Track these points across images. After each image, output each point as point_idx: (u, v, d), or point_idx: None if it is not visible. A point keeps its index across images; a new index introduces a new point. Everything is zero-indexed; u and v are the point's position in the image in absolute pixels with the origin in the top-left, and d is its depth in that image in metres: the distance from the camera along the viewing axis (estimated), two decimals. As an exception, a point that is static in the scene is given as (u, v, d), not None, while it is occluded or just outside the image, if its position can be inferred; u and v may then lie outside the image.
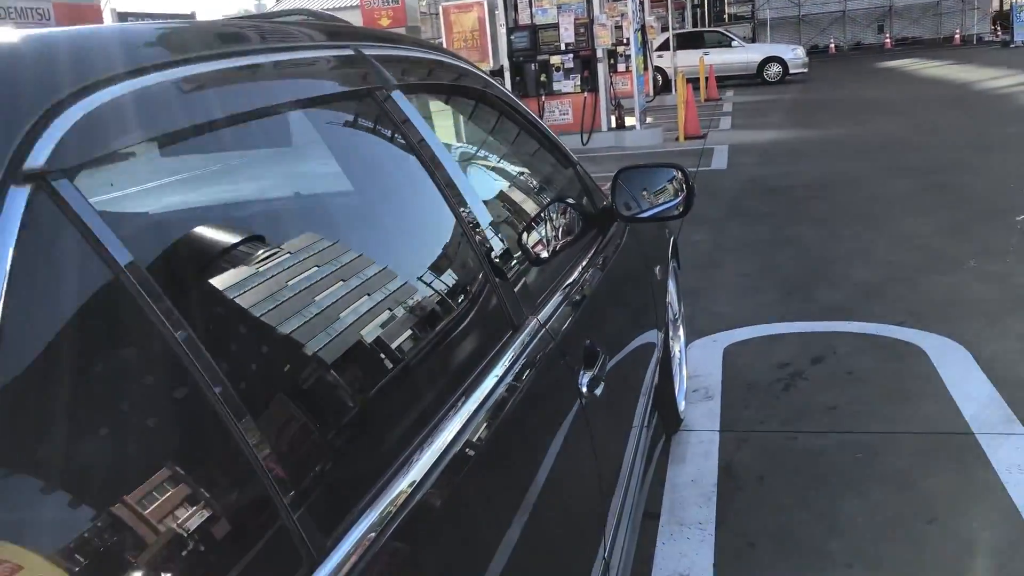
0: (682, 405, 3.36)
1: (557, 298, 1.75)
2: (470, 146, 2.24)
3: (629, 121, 13.82)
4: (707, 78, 18.78)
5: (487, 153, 2.29)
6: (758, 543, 2.62)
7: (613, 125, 13.87)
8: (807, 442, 3.20)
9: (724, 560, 2.55)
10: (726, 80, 21.06)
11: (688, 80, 14.11)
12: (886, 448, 3.10)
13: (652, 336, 2.64)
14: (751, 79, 21.75)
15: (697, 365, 4.00)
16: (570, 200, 2.30)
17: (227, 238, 1.06)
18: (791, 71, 21.51)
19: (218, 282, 0.96)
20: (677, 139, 13.15)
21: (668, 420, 3.22)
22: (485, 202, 1.60)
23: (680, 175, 2.31)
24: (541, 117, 13.55)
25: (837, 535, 2.61)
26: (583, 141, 13.59)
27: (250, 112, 1.09)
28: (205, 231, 1.05)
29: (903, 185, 7.86)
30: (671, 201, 2.32)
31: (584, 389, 1.61)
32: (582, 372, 1.64)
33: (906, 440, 3.14)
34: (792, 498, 2.84)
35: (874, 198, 7.46)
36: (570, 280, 1.90)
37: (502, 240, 1.59)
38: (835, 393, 3.60)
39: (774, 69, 21.63)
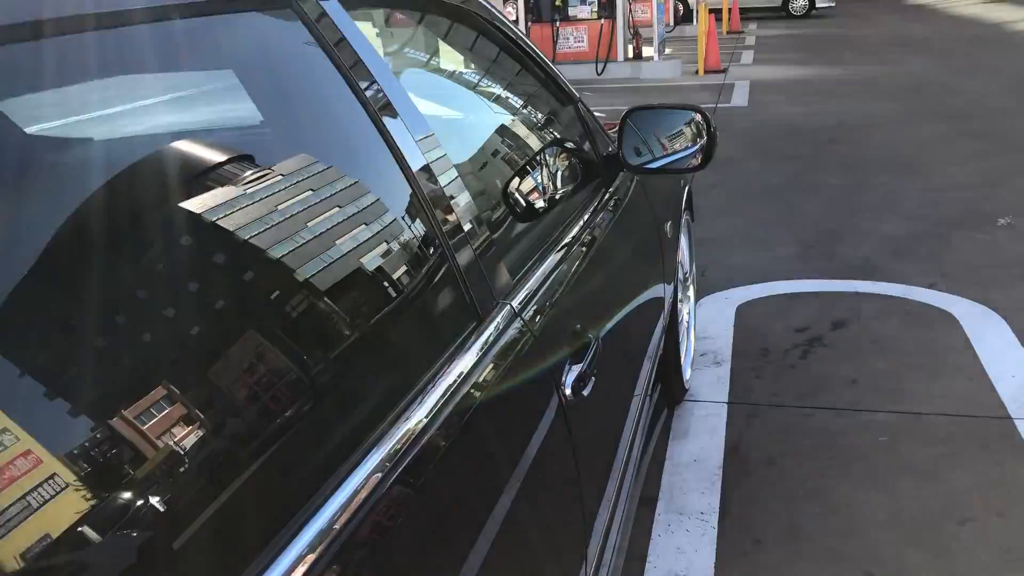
0: (688, 373, 3.05)
1: (542, 271, 1.41)
2: (436, 77, 1.86)
3: (647, 52, 13.26)
4: (730, 9, 18.01)
5: (460, 86, 1.91)
6: (765, 540, 2.33)
7: (630, 55, 13.32)
8: (824, 420, 2.89)
9: (726, 559, 2.26)
10: (749, 12, 20.22)
11: (710, 11, 13.44)
12: (912, 431, 2.79)
13: (657, 302, 2.31)
14: (776, 12, 20.86)
15: (706, 325, 3.67)
16: (568, 145, 1.94)
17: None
18: (818, 5, 20.58)
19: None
20: (696, 73, 12.60)
21: (672, 391, 2.91)
22: (450, 150, 1.25)
23: (700, 119, 1.94)
24: (555, 44, 13.00)
25: (855, 535, 2.31)
26: (598, 71, 13.06)
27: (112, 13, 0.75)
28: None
29: (936, 130, 7.40)
30: (688, 149, 1.96)
31: (568, 391, 1.28)
32: (567, 370, 1.31)
33: (935, 423, 2.83)
34: (805, 487, 2.53)
35: (904, 144, 7.02)
36: (562, 244, 1.56)
37: (470, 200, 1.24)
38: (857, 364, 3.27)
39: (800, 2, 20.69)
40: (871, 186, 5.79)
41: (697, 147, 1.93)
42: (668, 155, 1.96)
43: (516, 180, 1.59)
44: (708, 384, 3.17)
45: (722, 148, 7.24)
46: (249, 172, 0.90)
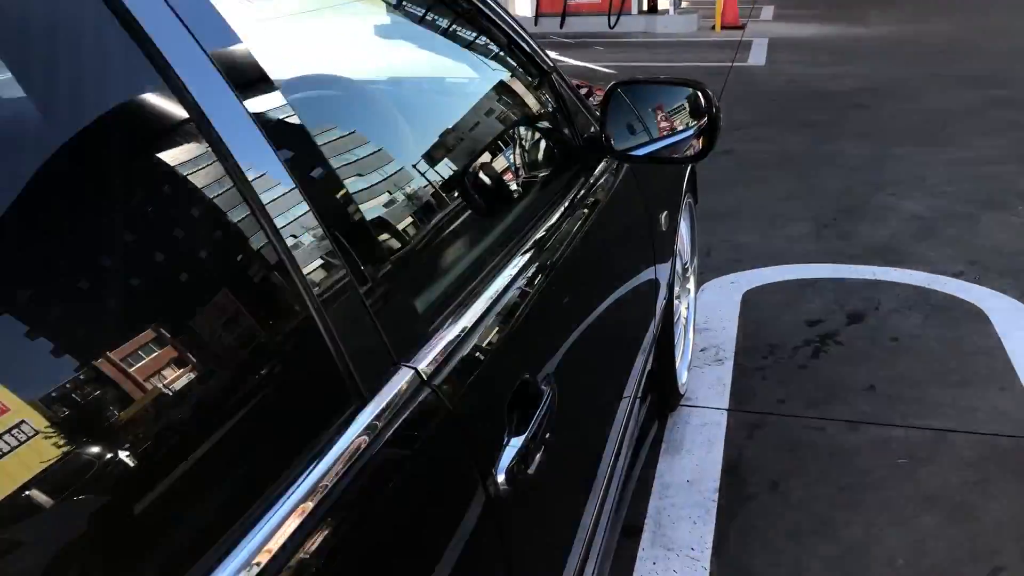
0: (684, 377, 2.71)
1: (481, 304, 1.07)
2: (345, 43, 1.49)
3: (662, 4, 12.73)
4: (752, -39, 17.31)
5: (381, 56, 1.53)
6: (764, 585, 2.01)
7: (644, 8, 12.80)
8: (837, 435, 2.56)
9: (718, 609, 1.95)
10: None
11: (731, -38, 12.83)
12: (936, 452, 2.45)
13: (646, 310, 1.96)
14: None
15: (709, 314, 3.32)
16: (535, 128, 1.58)
17: None
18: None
19: None
20: (713, 28, 12.07)
21: (664, 398, 2.57)
22: (342, 140, 0.90)
23: (702, 97, 1.57)
24: (567, -6, 12.45)
25: (869, 583, 2.00)
26: (610, 24, 12.56)
27: None
28: None
29: (966, 98, 6.94)
30: (685, 132, 1.60)
31: (501, 480, 0.95)
32: (505, 443, 0.98)
33: (963, 443, 2.49)
34: (812, 519, 2.21)
35: (932, 112, 6.57)
36: (518, 258, 1.21)
37: (357, 213, 0.89)
38: (875, 366, 2.93)
39: (826, -45, 19.89)
40: (894, 157, 5.38)
41: (694, 130, 1.57)
42: (661, 139, 1.60)
43: (454, 177, 1.24)
44: (707, 386, 2.83)
45: (735, 111, 6.84)
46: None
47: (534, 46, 1.59)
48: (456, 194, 1.22)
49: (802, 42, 10.38)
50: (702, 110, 1.57)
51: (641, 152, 1.61)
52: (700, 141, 1.56)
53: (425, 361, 0.90)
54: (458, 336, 0.98)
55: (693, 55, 9.98)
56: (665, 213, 2.13)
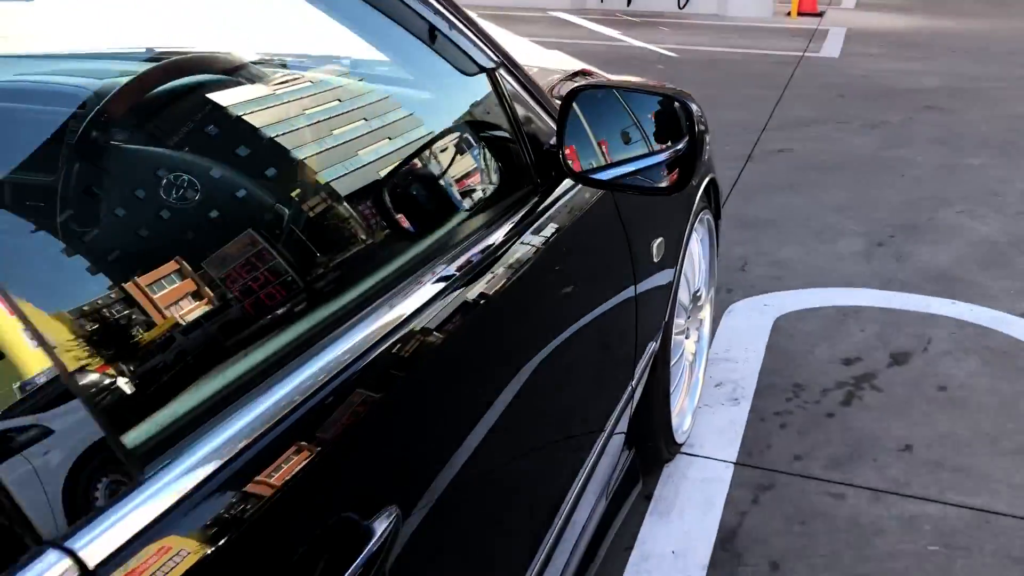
0: (686, 423, 2.35)
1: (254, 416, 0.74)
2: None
3: (736, -13, 12.12)
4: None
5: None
6: None
7: (717, -11, 12.22)
8: (859, 506, 2.17)
9: None
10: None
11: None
12: (979, 539, 2.06)
13: (622, 361, 1.62)
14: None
15: (733, 341, 2.94)
16: (457, 142, 1.24)
17: None
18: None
19: None
20: (789, 14, 11.44)
21: (656, 451, 2.22)
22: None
23: (682, 113, 1.21)
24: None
25: None
26: (680, 4, 12.05)
27: None
28: None
29: (1055, 104, 6.32)
30: (657, 156, 1.24)
31: None
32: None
33: (1013, 531, 2.09)
34: (815, 616, 1.85)
35: (1018, 119, 5.99)
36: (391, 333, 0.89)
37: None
38: (915, 420, 2.52)
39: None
40: (968, 168, 4.87)
41: (668, 154, 1.21)
42: (629, 162, 1.24)
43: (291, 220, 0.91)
44: (716, 431, 2.47)
45: (796, 106, 6.34)
46: None
47: (473, 35, 1.24)
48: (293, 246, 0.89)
49: (883, 34, 9.72)
50: (683, 129, 1.21)
51: (604, 176, 1.26)
52: (670, 173, 1.20)
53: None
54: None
55: (762, 42, 9.42)
56: (659, 240, 1.76)
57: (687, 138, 1.19)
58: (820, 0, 11.85)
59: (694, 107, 1.19)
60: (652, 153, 1.23)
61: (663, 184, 1.22)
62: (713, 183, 2.31)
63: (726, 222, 4.05)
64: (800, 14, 11.34)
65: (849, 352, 2.91)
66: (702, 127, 1.20)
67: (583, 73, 2.24)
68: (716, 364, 2.79)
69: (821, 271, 3.54)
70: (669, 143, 1.23)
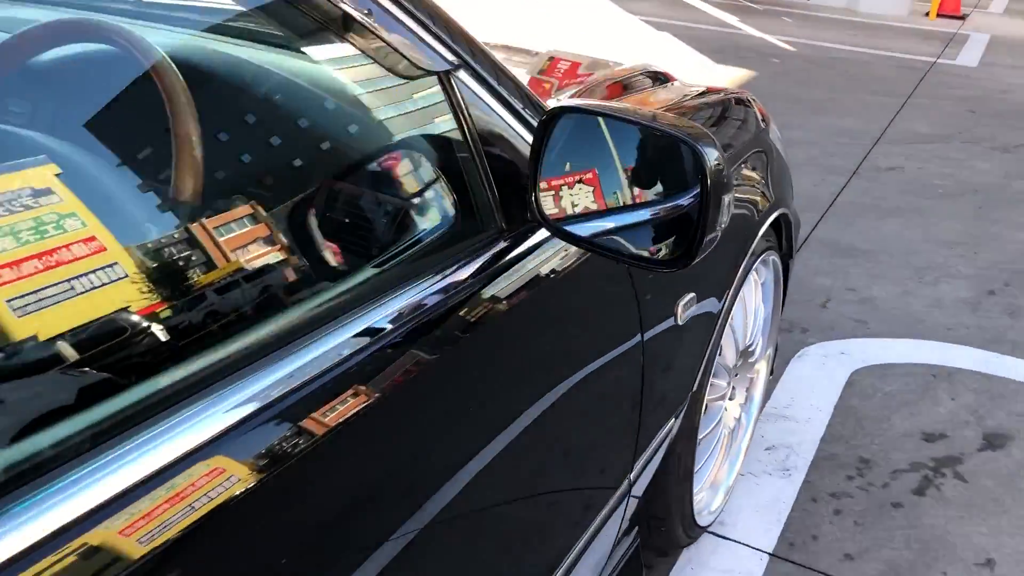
0: (716, 501, 1.96)
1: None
2: None
3: (872, -20, 11.26)
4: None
5: None
6: None
7: (850, -18, 11.38)
8: (914, 636, 1.77)
9: None
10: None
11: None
12: None
13: (620, 450, 1.27)
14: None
15: (795, 394, 2.53)
16: (397, 169, 0.92)
17: None
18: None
19: None
20: (927, 15, 10.55)
21: (670, 534, 1.85)
22: None
23: (692, 159, 0.85)
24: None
25: None
26: (807, -5, 11.28)
27: None
28: None
29: None
30: (649, 208, 0.88)
31: None
32: None
33: None
34: None
35: None
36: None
37: None
38: (1003, 525, 2.08)
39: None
40: (1111, 212, 4.24)
41: (663, 209, 0.85)
42: (615, 212, 0.89)
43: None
44: (756, 508, 2.08)
45: (919, 119, 5.72)
46: None
47: (427, 36, 0.90)
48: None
49: (1030, 45, 8.84)
50: (691, 180, 0.85)
51: (583, 230, 0.91)
52: (672, 248, 0.84)
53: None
54: None
55: (892, 43, 8.67)
56: (689, 296, 1.39)
57: (692, 195, 0.83)
58: (965, 1, 10.90)
59: (710, 153, 0.82)
60: (647, 205, 0.87)
61: (660, 254, 0.86)
62: (784, 218, 1.90)
63: (814, 246, 3.59)
64: (940, 15, 10.45)
65: (934, 425, 2.46)
66: (724, 177, 0.83)
67: (658, 77, 1.86)
68: (772, 421, 2.40)
69: (915, 318, 3.07)
70: (676, 192, 0.87)
